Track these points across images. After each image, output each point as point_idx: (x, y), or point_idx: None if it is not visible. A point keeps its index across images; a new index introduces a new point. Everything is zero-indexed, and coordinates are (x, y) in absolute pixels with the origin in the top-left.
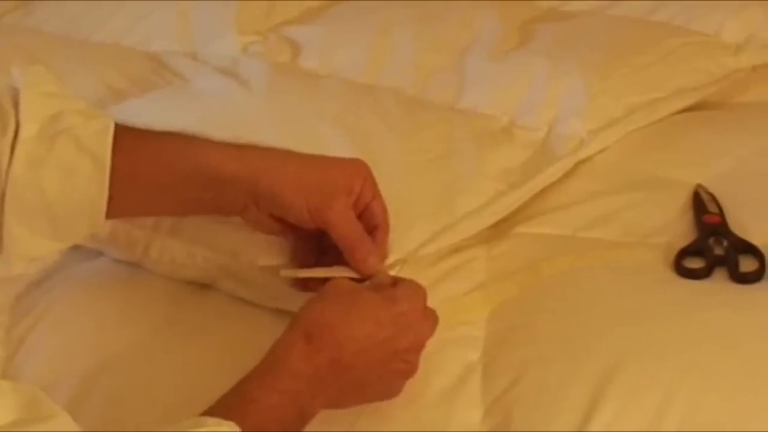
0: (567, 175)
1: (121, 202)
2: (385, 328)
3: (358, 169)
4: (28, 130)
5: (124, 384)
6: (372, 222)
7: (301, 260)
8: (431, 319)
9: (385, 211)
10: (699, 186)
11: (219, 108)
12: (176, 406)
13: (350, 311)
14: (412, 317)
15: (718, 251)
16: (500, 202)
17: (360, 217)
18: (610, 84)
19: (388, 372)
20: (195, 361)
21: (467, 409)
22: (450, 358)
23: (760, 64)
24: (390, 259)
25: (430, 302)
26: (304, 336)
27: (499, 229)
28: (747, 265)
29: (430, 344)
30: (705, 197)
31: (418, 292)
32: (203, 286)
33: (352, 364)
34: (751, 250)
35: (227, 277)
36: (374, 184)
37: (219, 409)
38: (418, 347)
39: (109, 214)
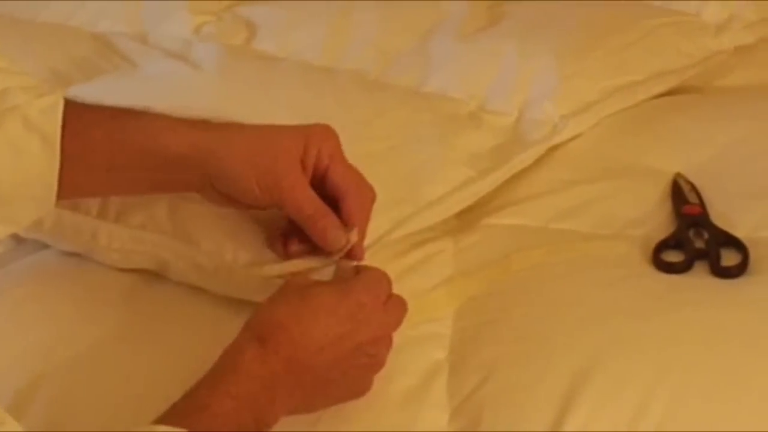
0: (539, 162)
1: (72, 183)
2: (342, 323)
3: (310, 136)
4: None
5: (70, 388)
6: (333, 192)
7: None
8: (396, 308)
9: (347, 178)
10: (678, 175)
11: (166, 95)
12: (126, 413)
13: (304, 309)
14: (372, 308)
15: (699, 244)
16: (468, 189)
17: (323, 187)
18: (584, 66)
19: (352, 368)
20: (146, 363)
21: (433, 410)
22: (415, 357)
23: (742, 45)
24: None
25: None
26: (256, 339)
27: (467, 220)
28: (729, 258)
29: (395, 340)
30: (685, 187)
31: (380, 280)
32: (155, 278)
33: (312, 364)
34: (733, 242)
35: (179, 262)
36: (333, 150)
37: (171, 417)
38: (381, 339)
39: (60, 195)
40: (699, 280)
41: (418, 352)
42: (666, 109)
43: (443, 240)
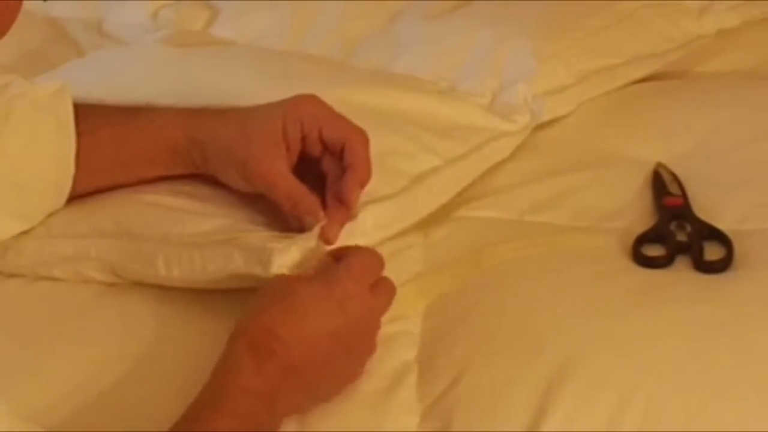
0: (513, 152)
1: (81, 181)
2: (331, 317)
3: (287, 112)
4: None
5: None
6: (336, 146)
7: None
8: (385, 291)
9: (341, 129)
10: (659, 164)
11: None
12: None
13: (291, 310)
14: (359, 298)
15: (681, 237)
16: (437, 177)
17: (329, 156)
18: (560, 48)
19: (348, 357)
20: (125, 381)
21: (402, 413)
22: (383, 358)
23: (726, 28)
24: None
25: None
26: (248, 349)
27: (438, 212)
28: (712, 252)
29: None
30: (666, 177)
31: (367, 265)
32: (106, 289)
33: (308, 364)
34: (716, 235)
35: (127, 261)
36: (317, 113)
37: None
38: (374, 328)
39: (73, 191)
40: (681, 275)
41: (386, 352)
42: (646, 96)
43: (412, 234)
